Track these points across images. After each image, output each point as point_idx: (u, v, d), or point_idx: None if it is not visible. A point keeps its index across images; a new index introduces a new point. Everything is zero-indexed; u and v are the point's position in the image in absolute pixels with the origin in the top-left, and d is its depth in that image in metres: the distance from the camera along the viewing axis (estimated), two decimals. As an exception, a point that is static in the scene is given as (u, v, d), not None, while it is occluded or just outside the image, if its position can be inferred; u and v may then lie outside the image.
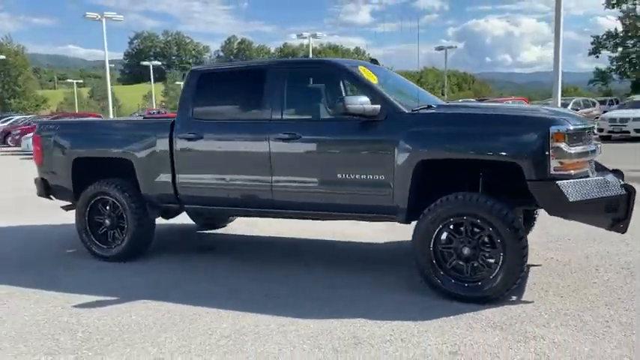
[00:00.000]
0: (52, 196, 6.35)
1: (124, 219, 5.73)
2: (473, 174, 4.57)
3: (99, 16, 33.34)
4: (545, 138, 4.05)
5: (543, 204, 4.14)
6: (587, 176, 4.20)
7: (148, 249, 5.96)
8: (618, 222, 4.19)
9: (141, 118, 7.74)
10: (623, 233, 4.28)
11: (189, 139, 5.30)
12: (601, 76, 47.43)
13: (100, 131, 6.04)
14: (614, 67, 45.76)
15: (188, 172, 5.38)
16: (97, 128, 6.28)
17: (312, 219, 5.35)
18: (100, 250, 5.86)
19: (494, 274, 4.23)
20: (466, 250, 4.32)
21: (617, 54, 45.52)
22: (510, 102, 27.05)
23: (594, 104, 27.05)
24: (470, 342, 3.63)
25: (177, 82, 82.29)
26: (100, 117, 26.22)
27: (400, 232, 6.60)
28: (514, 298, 4.40)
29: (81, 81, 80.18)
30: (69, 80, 79.07)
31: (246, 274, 5.26)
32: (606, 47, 45.04)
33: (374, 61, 5.91)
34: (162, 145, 5.44)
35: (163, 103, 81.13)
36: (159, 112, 44.01)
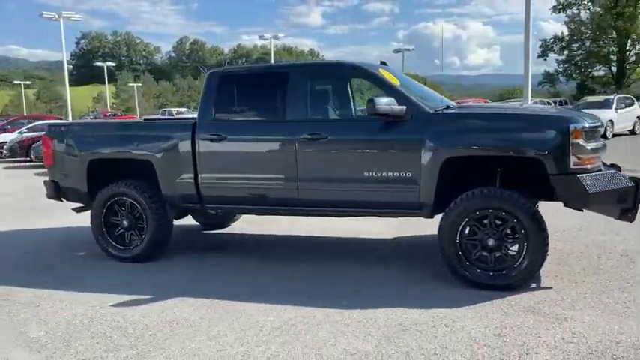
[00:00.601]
0: (63, 199, 6.31)
1: (143, 220, 5.78)
2: (489, 170, 4.89)
3: (56, 16, 32.32)
4: (565, 135, 4.40)
5: (564, 196, 4.49)
6: (600, 170, 4.58)
7: (165, 249, 6.01)
8: (627, 212, 4.59)
9: (141, 120, 7.77)
10: (631, 222, 4.67)
11: (213, 140, 5.41)
12: (549, 78, 49.52)
13: (117, 133, 6.05)
14: (560, 70, 47.85)
15: (212, 172, 5.48)
16: (114, 130, 6.27)
17: (336, 216, 5.56)
18: (118, 251, 5.89)
19: (518, 263, 4.55)
20: (491, 242, 4.62)
21: (563, 57, 47.61)
22: (471, 103, 27.97)
23: (549, 104, 28.27)
24: (509, 325, 3.93)
25: (130, 84, 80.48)
26: (61, 119, 25.49)
27: (402, 227, 6.94)
28: (533, 285, 4.74)
29: (29, 82, 77.23)
30: (16, 82, 76.05)
31: (271, 271, 5.41)
32: (553, 50, 47.03)
33: (383, 63, 6.16)
34: (185, 146, 5.53)
35: (115, 105, 79.22)
36: (115, 115, 43.10)
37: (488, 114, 5.07)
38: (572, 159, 4.42)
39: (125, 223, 5.86)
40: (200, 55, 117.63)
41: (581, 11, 46.07)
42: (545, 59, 48.01)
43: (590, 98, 25.74)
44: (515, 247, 4.63)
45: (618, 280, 4.78)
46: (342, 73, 5.56)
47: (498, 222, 4.63)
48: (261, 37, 38.71)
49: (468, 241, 4.70)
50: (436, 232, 4.83)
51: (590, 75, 46.94)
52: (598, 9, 44.16)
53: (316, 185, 5.15)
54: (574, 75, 47.73)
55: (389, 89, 5.00)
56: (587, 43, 46.16)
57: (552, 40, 47.20)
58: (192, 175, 5.55)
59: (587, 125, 4.50)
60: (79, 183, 6.02)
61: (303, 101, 5.22)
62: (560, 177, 4.42)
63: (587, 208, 4.58)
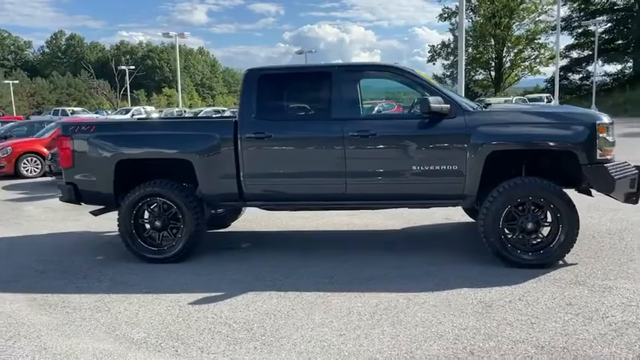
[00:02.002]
0: (82, 202, 6.02)
1: (178, 220, 5.72)
2: (518, 162, 5.50)
3: None
4: (593, 130, 5.11)
5: (594, 183, 5.20)
6: (614, 161, 5.35)
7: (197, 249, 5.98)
8: (631, 195, 5.39)
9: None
10: (635, 204, 5.49)
11: (258, 138, 5.51)
12: (437, 81, 52.95)
13: (151, 132, 5.89)
14: (448, 74, 51.45)
15: (256, 170, 5.57)
16: (148, 129, 6.08)
17: (382, 208, 5.89)
18: (152, 253, 5.77)
19: (554, 243, 5.20)
20: (529, 225, 5.23)
21: (449, 62, 51.23)
22: (383, 104, 29.30)
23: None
24: (570, 296, 4.52)
25: (5, 81, 73.52)
26: None
27: (404, 219, 7.43)
28: (560, 262, 5.41)
29: None
30: None
31: (317, 263, 5.61)
32: (441, 56, 50.50)
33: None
34: (227, 144, 5.56)
35: (-15, 105, 71.94)
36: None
37: (524, 111, 5.69)
38: (598, 151, 5.14)
39: (158, 224, 5.76)
40: (78, 50, 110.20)
41: (464, 19, 49.78)
42: (434, 64, 51.43)
43: (491, 99, 28.04)
44: (546, 230, 5.28)
45: (629, 254, 5.58)
46: (385, 74, 5.89)
47: (535, 208, 5.24)
48: (165, 35, 37.48)
49: (509, 226, 5.27)
50: (427, 222, 5.32)
51: (473, 79, 50.91)
52: (479, 18, 48.01)
53: (364, 180, 5.45)
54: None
55: (434, 89, 5.43)
56: (470, 49, 49.98)
57: (440, 46, 50.63)
58: (234, 173, 5.59)
59: (607, 121, 5.25)
60: (103, 185, 5.80)
61: (348, 100, 5.49)
62: (590, 166, 5.12)
63: (611, 193, 5.31)
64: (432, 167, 5.34)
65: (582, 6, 48.34)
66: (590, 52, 47.23)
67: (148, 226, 5.83)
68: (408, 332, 3.91)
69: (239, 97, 5.73)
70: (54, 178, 12.47)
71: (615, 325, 3.92)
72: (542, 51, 48.85)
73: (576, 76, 50.86)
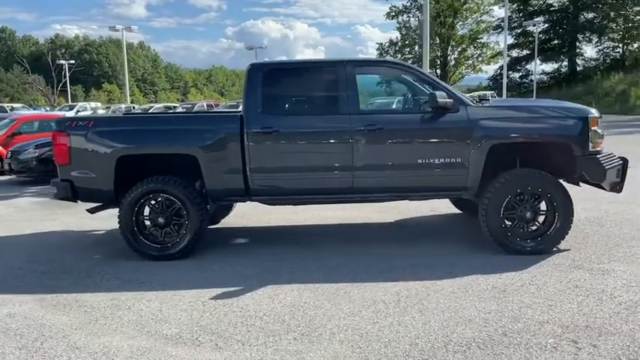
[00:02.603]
0: (78, 200, 5.85)
1: (181, 216, 5.66)
2: (514, 154, 5.76)
3: None
4: (585, 123, 5.44)
5: (588, 173, 5.51)
6: (603, 152, 5.70)
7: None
8: (616, 185, 5.76)
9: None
10: (619, 193, 5.86)
11: (265, 132, 5.52)
12: (386, 78, 53.87)
13: (154, 127, 5.77)
14: (396, 71, 52.36)
15: (263, 165, 5.58)
16: (151, 123, 5.95)
17: (387, 201, 6.02)
18: (155, 250, 5.68)
19: (551, 230, 5.49)
20: (528, 214, 5.51)
21: (397, 60, 52.19)
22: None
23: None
24: (575, 279, 4.80)
25: None
26: None
27: (394, 211, 7.63)
28: (554, 249, 5.71)
29: None
30: None
31: (323, 255, 5.69)
32: (389, 54, 51.33)
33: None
34: (233, 139, 5.54)
35: None
36: None
37: (521, 106, 5.95)
38: (590, 143, 5.47)
39: (161, 220, 5.67)
40: (10, 44, 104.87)
41: (411, 18, 50.98)
42: (382, 60, 52.17)
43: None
44: (541, 219, 5.57)
45: (613, 240, 5.96)
46: (389, 70, 6.02)
47: (532, 197, 5.52)
48: (111, 29, 36.19)
49: (508, 216, 5.52)
50: (417, 215, 5.55)
51: (420, 76, 52.01)
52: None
53: (371, 173, 5.57)
54: (406, 75, 52.55)
55: (437, 85, 5.61)
56: (417, 48, 51.07)
57: (388, 44, 51.51)
58: (240, 168, 5.58)
59: (597, 115, 5.59)
60: (103, 181, 5.65)
61: (354, 94, 5.59)
62: (583, 158, 5.44)
63: (602, 183, 5.65)
64: (436, 160, 5.52)
65: (521, 7, 50.33)
66: (529, 52, 49.33)
67: (149, 222, 5.73)
68: (437, 318, 4.05)
69: (243, 92, 5.71)
70: (15, 176, 11.97)
71: (625, 304, 4.21)
72: (484, 50, 50.64)
73: (516, 74, 52.97)
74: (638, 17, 46.71)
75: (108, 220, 7.68)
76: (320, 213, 7.69)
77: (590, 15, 49.33)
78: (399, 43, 51.44)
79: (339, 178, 5.59)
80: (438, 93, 5.33)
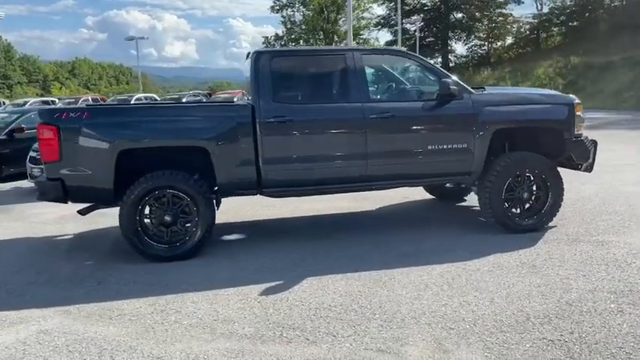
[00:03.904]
0: (69, 201, 5.24)
1: (190, 212, 5.32)
2: (507, 139, 6.12)
3: None
4: (572, 108, 5.93)
5: (575, 155, 6.00)
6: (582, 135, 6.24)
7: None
8: (590, 165, 6.33)
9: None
10: (590, 172, 6.45)
11: (279, 122, 5.35)
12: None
13: (160, 118, 5.30)
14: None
15: (276, 155, 5.40)
16: (156, 114, 5.43)
17: (398, 187, 6.09)
18: (160, 250, 5.27)
19: (545, 209, 5.94)
20: (525, 195, 5.91)
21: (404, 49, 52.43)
22: (242, 94, 29.01)
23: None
24: (581, 251, 5.22)
25: None
26: None
27: (368, 200, 7.73)
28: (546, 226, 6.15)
29: None
30: None
31: (335, 245, 5.66)
32: (275, 47, 51.40)
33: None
34: (245, 130, 5.31)
35: None
36: None
37: (520, 94, 6.32)
38: (576, 127, 5.98)
39: (168, 218, 5.28)
40: None
41: (296, 13, 51.50)
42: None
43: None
44: (535, 198, 5.99)
45: (590, 215, 6.53)
46: (396, 58, 6.07)
47: (528, 179, 5.92)
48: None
49: (509, 197, 5.88)
50: (393, 202, 6.28)
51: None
52: (310, 12, 49.90)
53: (384, 161, 5.62)
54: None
55: (442, 72, 5.80)
56: (302, 42, 51.74)
57: (273, 38, 51.52)
58: (252, 160, 5.36)
59: (579, 101, 6.12)
60: (101, 179, 5.13)
61: (364, 82, 5.61)
62: (571, 140, 5.94)
63: (585, 163, 6.17)
64: (445, 146, 5.71)
65: (396, 6, 52.80)
66: (408, 48, 51.99)
67: (155, 221, 5.30)
68: (497, 295, 4.22)
69: (251, 81, 5.47)
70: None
71: (643, 268, 4.69)
72: (365, 46, 52.54)
73: (396, 70, 55.54)
74: (500, 19, 51.28)
75: (62, 223, 7.07)
76: (298, 206, 7.58)
77: (459, 15, 53.22)
78: (286, 37, 51.69)
79: (353, 166, 5.58)
80: (449, 80, 5.51)
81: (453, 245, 5.54)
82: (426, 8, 53.16)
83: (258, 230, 6.56)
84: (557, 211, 6.02)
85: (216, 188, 5.58)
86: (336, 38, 52.05)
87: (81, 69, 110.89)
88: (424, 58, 5.91)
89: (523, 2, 54.23)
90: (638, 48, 34.73)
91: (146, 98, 29.99)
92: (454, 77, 5.88)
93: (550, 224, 6.08)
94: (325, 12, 49.59)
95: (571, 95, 6.22)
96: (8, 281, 4.92)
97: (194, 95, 30.02)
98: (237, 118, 5.32)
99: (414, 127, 5.71)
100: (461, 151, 5.74)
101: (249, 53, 6.14)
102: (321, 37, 51.07)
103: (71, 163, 5.10)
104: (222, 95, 27.84)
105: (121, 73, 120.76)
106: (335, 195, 7.55)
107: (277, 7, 50.65)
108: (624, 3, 45.34)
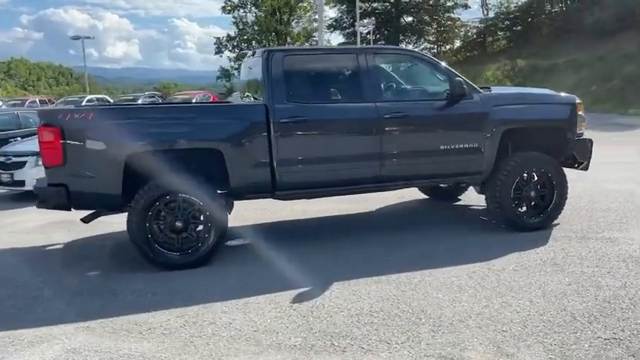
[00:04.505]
0: (72, 208, 4.89)
1: (200, 218, 5.07)
2: (513, 138, 6.15)
3: None
4: (574, 108, 6.04)
5: (578, 154, 6.11)
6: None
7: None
8: (587, 164, 6.45)
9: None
10: (586, 170, 6.58)
11: (294, 122, 5.19)
12: (225, 73, 53.16)
13: (170, 120, 5.00)
14: (235, 66, 51.89)
15: (291, 157, 5.23)
16: (165, 116, 5.10)
17: (411, 187, 6.02)
18: (172, 258, 5.00)
19: (550, 207, 6.01)
20: (532, 193, 5.96)
21: (235, 55, 51.86)
22: (201, 95, 28.39)
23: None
24: (595, 248, 5.30)
25: None
26: None
27: (365, 201, 7.61)
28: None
29: None
30: None
31: (345, 248, 5.53)
32: (228, 48, 50.80)
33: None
34: (260, 130, 5.11)
35: None
36: None
37: (526, 94, 6.36)
38: (578, 126, 6.09)
39: (179, 224, 5.01)
40: None
41: (248, 14, 50.98)
42: (221, 56, 51.51)
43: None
44: (541, 197, 6.05)
45: (590, 213, 6.64)
46: (407, 57, 5.99)
47: (535, 178, 5.98)
48: None
49: (516, 196, 5.92)
50: (389, 203, 6.47)
51: (259, 72, 52.26)
52: (262, 13, 49.49)
53: (398, 161, 5.54)
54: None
55: (451, 72, 5.77)
56: (254, 43, 51.24)
57: (226, 38, 50.83)
58: (267, 162, 5.17)
59: (580, 101, 6.23)
60: (108, 184, 4.82)
61: (377, 82, 5.52)
62: (575, 140, 6.04)
63: (587, 162, 6.27)
64: (457, 145, 5.68)
65: (350, 9, 53.20)
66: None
67: (165, 227, 5.02)
68: (534, 295, 4.20)
69: (264, 80, 5.26)
70: None
71: (663, 262, 4.80)
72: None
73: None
74: (449, 23, 52.52)
75: (46, 232, 6.70)
76: (294, 208, 7.39)
77: (410, 19, 54.13)
78: (238, 38, 51.06)
79: (369, 167, 5.47)
80: (462, 80, 5.49)
81: (467, 245, 5.52)
82: (377, 11, 53.72)
83: (264, 235, 6.30)
84: (562, 209, 6.10)
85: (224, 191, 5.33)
86: (289, 40, 51.81)
87: (17, 69, 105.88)
88: (434, 58, 5.87)
89: (470, 7, 55.81)
90: (580, 51, 36.29)
91: (98, 100, 28.98)
92: (462, 77, 5.87)
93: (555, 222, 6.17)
94: (278, 13, 49.32)
95: (574, 96, 6.33)
96: (11, 296, 4.53)
97: (150, 96, 29.08)
98: (251, 118, 5.12)
99: (427, 127, 5.66)
100: (472, 151, 5.73)
101: (252, 53, 5.97)
102: (274, 38, 50.68)
103: (76, 168, 4.76)
104: (179, 96, 27.17)
105: (61, 74, 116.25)
106: (332, 197, 7.45)
107: (229, 8, 49.97)
108: (564, 9, 47.31)
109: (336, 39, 55.16)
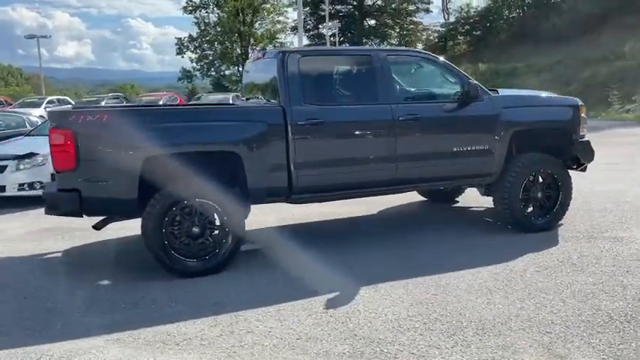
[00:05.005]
0: (84, 214, 4.66)
1: (217, 223, 4.92)
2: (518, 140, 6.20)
3: None
4: (577, 111, 6.16)
5: (582, 156, 6.22)
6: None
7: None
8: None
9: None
10: (584, 172, 6.73)
11: (312, 125, 5.09)
12: (186, 74, 52.24)
13: (186, 122, 4.82)
14: (198, 67, 51.13)
15: (308, 159, 5.13)
16: (182, 117, 4.91)
17: (422, 189, 5.98)
18: (189, 264, 4.82)
19: (556, 207, 6.11)
20: (539, 194, 6.04)
21: (197, 55, 51.05)
22: (168, 96, 27.82)
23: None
24: (603, 247, 5.39)
25: None
26: None
27: (363, 203, 7.52)
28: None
29: None
30: None
31: (359, 252, 5.48)
32: (189, 49, 49.98)
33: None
34: (278, 133, 5.00)
35: None
36: None
37: (533, 97, 6.44)
38: (581, 128, 6.21)
39: (196, 230, 4.84)
40: None
41: (210, 14, 50.30)
42: (183, 57, 50.64)
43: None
44: (547, 198, 6.13)
45: (589, 213, 6.77)
46: (419, 59, 5.95)
47: (542, 179, 6.06)
48: None
49: (524, 197, 5.98)
50: (389, 205, 6.47)
51: (223, 73, 51.70)
52: (224, 14, 48.90)
53: (413, 164, 5.52)
54: (209, 73, 51.73)
55: (463, 75, 5.78)
56: (216, 44, 50.61)
57: (188, 39, 50.06)
58: (285, 165, 5.06)
59: (582, 104, 6.36)
60: (123, 189, 4.61)
61: (392, 84, 5.49)
62: (579, 141, 6.16)
63: (588, 163, 6.39)
64: (469, 147, 5.70)
65: (313, 11, 53.29)
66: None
67: (181, 233, 4.83)
68: (564, 295, 4.23)
69: (280, 81, 5.14)
70: None
71: (677, 260, 4.93)
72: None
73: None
74: (411, 26, 53.27)
75: (36, 240, 6.49)
76: (293, 212, 7.25)
77: (373, 22, 54.59)
78: (200, 38, 50.29)
79: (383, 170, 5.42)
80: (476, 83, 5.52)
81: (477, 246, 5.54)
82: (340, 14, 53.92)
83: (273, 239, 6.16)
84: (567, 210, 6.21)
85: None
86: (252, 41, 51.40)
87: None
88: (446, 60, 5.88)
89: (432, 12, 56.70)
90: (538, 55, 37.37)
91: (59, 101, 28.03)
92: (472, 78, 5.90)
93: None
94: (241, 14, 48.85)
95: (575, 98, 6.45)
96: (23, 308, 4.27)
97: (114, 97, 28.25)
98: (269, 120, 4.99)
99: (441, 129, 5.66)
100: (483, 152, 5.76)
101: (260, 54, 5.85)
102: (237, 39, 50.14)
103: (89, 172, 4.53)
104: (146, 98, 26.58)
105: (10, 74, 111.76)
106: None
107: (190, 8, 49.18)
108: (521, 14, 48.62)
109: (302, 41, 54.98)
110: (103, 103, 24.97)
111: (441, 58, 5.91)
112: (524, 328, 3.69)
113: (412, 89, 5.95)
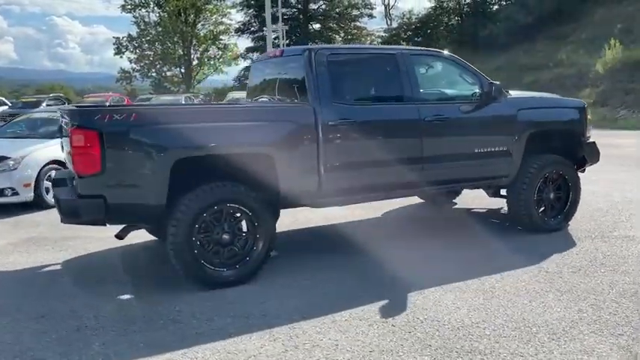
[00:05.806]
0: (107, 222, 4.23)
1: (248, 229, 4.63)
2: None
3: None
4: (583, 112, 6.27)
5: (588, 156, 6.32)
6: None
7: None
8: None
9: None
10: (582, 173, 6.86)
11: (344, 125, 4.89)
12: (125, 75, 50.32)
13: (218, 122, 4.47)
14: (137, 68, 49.38)
15: (338, 161, 4.91)
16: (214, 118, 4.53)
17: (446, 190, 5.88)
18: (221, 274, 4.50)
19: (566, 208, 6.18)
20: (552, 195, 6.10)
21: (136, 55, 49.34)
22: (112, 98, 26.60)
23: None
24: (621, 247, 5.49)
25: None
26: None
27: (364, 207, 7.38)
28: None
29: None
30: None
31: (385, 254, 5.31)
32: (129, 49, 48.23)
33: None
34: (309, 133, 4.76)
35: None
36: None
37: (543, 98, 6.47)
38: (587, 129, 6.33)
39: (226, 237, 4.52)
40: None
41: (150, 13, 48.78)
42: (122, 57, 48.79)
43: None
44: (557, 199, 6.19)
45: (591, 214, 6.87)
46: (441, 60, 5.84)
47: (553, 180, 6.12)
48: None
49: (538, 197, 6.02)
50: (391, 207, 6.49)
51: (164, 74, 50.20)
52: (165, 13, 47.54)
53: (438, 165, 5.41)
54: (149, 73, 50.09)
55: (481, 75, 5.74)
56: (157, 44, 49.11)
57: (126, 39, 48.33)
58: (315, 167, 4.83)
59: (586, 105, 6.48)
60: (152, 194, 4.23)
61: (417, 84, 5.37)
62: (586, 142, 6.27)
63: (595, 164, 6.51)
64: (489, 149, 5.67)
65: (258, 13, 52.73)
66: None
67: (211, 240, 4.50)
68: (612, 295, 4.22)
69: (308, 80, 4.89)
70: None
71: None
72: (225, 51, 51.36)
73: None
74: (355, 31, 53.78)
75: (26, 252, 5.95)
76: (298, 218, 6.98)
77: (318, 26, 54.71)
78: (140, 39, 48.59)
79: (409, 171, 5.28)
80: (497, 83, 5.50)
81: (495, 249, 5.50)
82: (285, 17, 53.69)
83: (290, 245, 5.90)
84: (576, 210, 6.29)
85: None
86: (195, 42, 50.26)
87: None
88: (465, 61, 5.82)
89: (375, 17, 57.43)
90: (478, 62, 38.33)
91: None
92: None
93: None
94: (183, 15, 47.62)
95: (580, 100, 6.58)
96: (48, 330, 3.79)
97: (56, 99, 26.68)
98: (301, 121, 4.75)
99: (464, 130, 5.60)
100: (503, 154, 5.74)
101: (278, 52, 5.61)
102: (179, 39, 48.80)
103: (116, 176, 4.13)
104: (90, 99, 25.35)
105: None
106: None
107: (129, 7, 47.46)
108: (460, 22, 50.14)
109: (243, 43, 54.43)
110: (44, 105, 23.62)
111: (463, 60, 5.83)
112: (594, 332, 3.63)
113: (434, 90, 5.85)
